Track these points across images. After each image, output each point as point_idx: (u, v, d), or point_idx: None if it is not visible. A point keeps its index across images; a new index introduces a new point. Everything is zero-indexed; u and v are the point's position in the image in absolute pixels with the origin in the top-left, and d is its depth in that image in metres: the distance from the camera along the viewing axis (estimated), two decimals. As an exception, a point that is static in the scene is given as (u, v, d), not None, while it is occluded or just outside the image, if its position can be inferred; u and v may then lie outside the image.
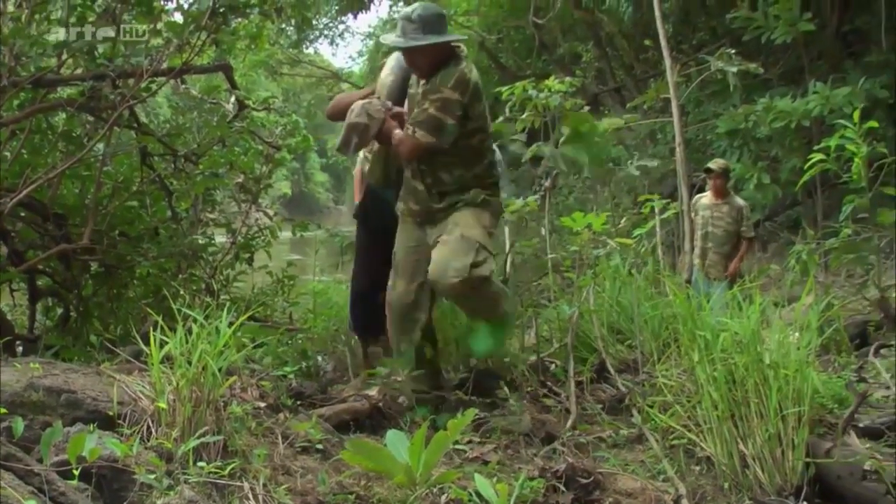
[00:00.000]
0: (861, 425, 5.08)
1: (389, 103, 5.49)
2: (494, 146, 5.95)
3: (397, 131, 5.33)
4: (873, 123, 7.46)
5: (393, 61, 5.87)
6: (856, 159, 7.32)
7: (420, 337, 5.58)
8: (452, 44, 5.39)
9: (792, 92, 11.30)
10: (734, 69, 9.42)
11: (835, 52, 12.84)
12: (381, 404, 5.42)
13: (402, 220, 5.69)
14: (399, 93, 5.73)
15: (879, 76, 11.04)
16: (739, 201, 9.38)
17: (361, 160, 6.54)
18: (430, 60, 5.30)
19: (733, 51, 9.93)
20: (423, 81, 5.38)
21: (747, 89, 11.95)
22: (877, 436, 5.06)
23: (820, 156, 7.67)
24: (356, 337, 6.45)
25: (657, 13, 10.32)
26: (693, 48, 14.72)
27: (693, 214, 9.48)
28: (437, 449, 3.62)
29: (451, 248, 5.19)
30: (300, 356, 5.86)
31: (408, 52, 5.33)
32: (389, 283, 5.69)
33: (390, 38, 5.42)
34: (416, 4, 5.32)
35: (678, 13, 14.92)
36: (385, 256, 5.85)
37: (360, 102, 5.40)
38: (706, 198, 9.36)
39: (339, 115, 5.75)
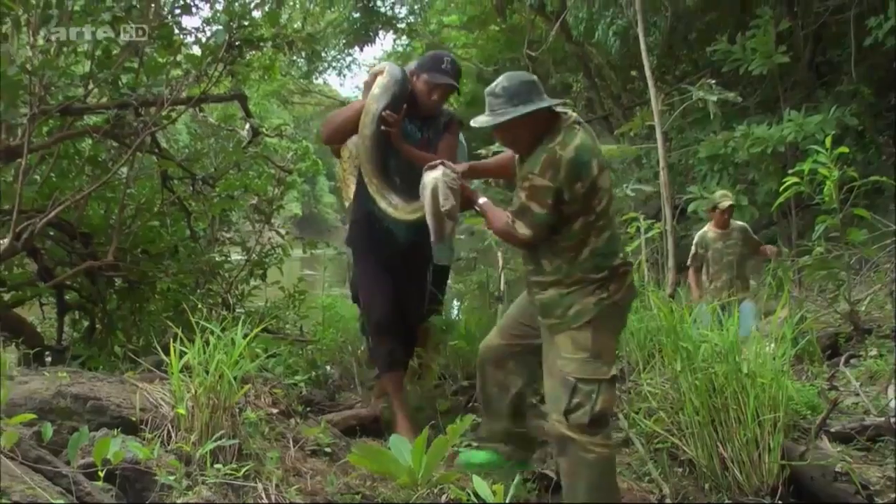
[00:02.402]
0: (832, 430, 5.10)
1: (456, 168, 4.57)
2: None
3: (497, 218, 4.37)
4: (844, 149, 7.48)
5: (379, 89, 5.32)
6: (827, 182, 7.33)
7: (510, 408, 4.71)
8: (559, 111, 4.33)
9: (768, 120, 11.32)
10: (714, 98, 9.42)
11: (808, 83, 12.86)
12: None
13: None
14: (381, 121, 5.22)
15: (849, 105, 11.06)
16: (737, 223, 9.30)
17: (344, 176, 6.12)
18: (522, 135, 4.30)
19: (713, 81, 9.94)
20: None
21: (726, 117, 11.97)
22: (847, 440, 5.08)
23: (794, 179, 7.68)
24: (377, 369, 5.77)
25: (642, 46, 10.34)
26: (676, 79, 14.75)
27: (702, 251, 9.20)
28: (437, 452, 3.63)
29: (549, 386, 4.26)
30: (310, 366, 5.86)
31: (498, 130, 4.34)
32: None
33: (480, 119, 4.34)
34: (501, 76, 4.37)
35: (662, 46, 14.93)
36: (401, 279, 5.55)
37: (433, 178, 4.45)
38: (711, 232, 9.18)
39: (338, 136, 5.58)
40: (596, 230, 4.22)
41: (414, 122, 5.45)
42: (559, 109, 4.34)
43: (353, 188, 5.83)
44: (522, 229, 4.23)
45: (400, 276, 5.58)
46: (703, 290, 9.12)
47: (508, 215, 4.29)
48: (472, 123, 4.39)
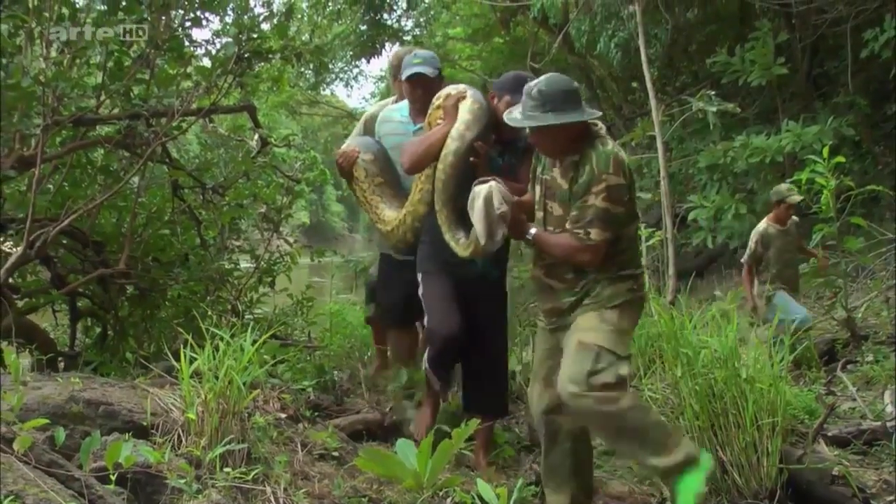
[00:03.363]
0: (830, 434, 5.10)
1: (505, 187, 4.31)
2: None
3: (558, 240, 4.23)
4: (840, 159, 7.48)
5: (471, 115, 4.92)
6: (825, 192, 7.34)
7: (570, 447, 4.42)
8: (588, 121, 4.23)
9: (766, 130, 11.32)
10: (714, 109, 9.43)
11: (806, 94, 12.86)
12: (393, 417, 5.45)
13: (539, 324, 4.65)
14: (472, 152, 4.83)
15: (846, 116, 11.06)
16: (793, 217, 8.58)
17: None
18: (559, 140, 4.21)
19: (713, 92, 9.96)
20: (557, 165, 4.28)
21: (726, 127, 11.97)
22: (844, 444, 5.08)
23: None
24: (438, 380, 5.29)
25: (643, 58, 10.35)
26: (676, 90, 14.76)
27: (760, 249, 8.44)
28: (442, 456, 3.63)
29: (567, 359, 4.16)
30: (318, 371, 5.86)
31: (532, 132, 4.28)
32: (528, 393, 4.89)
33: (513, 118, 4.29)
34: (543, 78, 4.26)
35: (663, 58, 14.94)
36: (476, 309, 5.17)
37: (487, 186, 4.24)
38: (772, 228, 8.46)
39: (422, 165, 5.10)
40: (637, 237, 4.44)
41: (494, 147, 5.02)
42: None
43: (381, 208, 5.52)
44: (601, 235, 4.07)
45: (475, 306, 5.17)
46: (759, 294, 8.44)
47: (577, 231, 4.10)
48: (506, 120, 4.37)
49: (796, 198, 8.23)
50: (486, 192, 4.24)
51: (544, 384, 4.42)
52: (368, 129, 5.97)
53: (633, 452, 4.24)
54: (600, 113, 4.33)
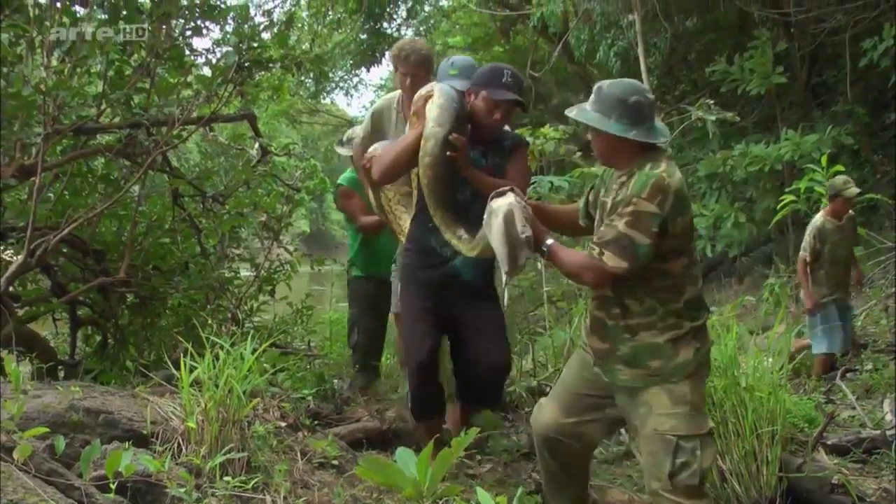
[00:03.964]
0: (829, 443, 5.10)
1: (524, 199, 3.99)
2: None
3: (572, 257, 3.91)
4: (839, 167, 7.51)
5: (438, 110, 4.68)
6: (823, 200, 7.33)
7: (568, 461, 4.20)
8: (656, 145, 3.89)
9: (765, 139, 11.34)
10: (713, 118, 9.41)
11: (804, 103, 12.88)
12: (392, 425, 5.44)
13: (580, 346, 4.25)
14: (447, 146, 4.58)
15: (845, 124, 11.08)
16: (849, 211, 8.08)
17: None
18: (608, 150, 3.94)
19: (712, 101, 9.93)
20: (616, 177, 3.94)
21: (725, 136, 11.97)
22: (843, 452, 5.08)
23: (791, 197, 7.71)
24: (413, 417, 5.23)
25: (643, 67, 10.37)
26: (675, 99, 14.76)
27: (817, 245, 7.92)
28: (442, 464, 3.62)
29: (646, 451, 3.82)
30: (317, 380, 5.85)
31: (593, 133, 3.97)
32: (539, 403, 4.40)
33: (574, 111, 3.99)
34: (621, 81, 3.97)
35: (662, 67, 14.96)
36: (469, 324, 4.91)
37: (507, 203, 3.90)
38: (829, 223, 7.94)
39: (393, 174, 4.93)
40: (691, 278, 3.87)
41: (476, 148, 4.76)
42: (664, 141, 3.93)
43: (405, 220, 5.28)
44: (614, 261, 3.69)
45: (466, 321, 4.91)
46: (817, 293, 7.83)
47: (593, 248, 3.77)
48: (567, 112, 4.02)
49: (854, 190, 7.88)
50: (505, 212, 3.89)
51: (561, 411, 4.12)
52: (377, 125, 5.96)
53: None
54: (662, 139, 3.92)
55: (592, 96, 3.90)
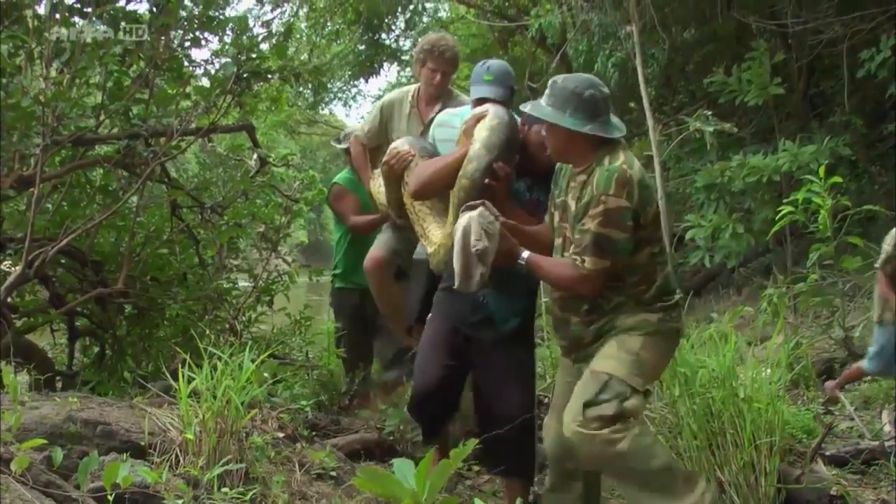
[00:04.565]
0: (828, 454, 5.10)
1: (496, 212, 3.89)
2: None
3: (553, 267, 3.92)
4: (837, 178, 7.49)
5: (488, 132, 4.37)
6: (822, 211, 7.34)
7: (581, 492, 4.24)
8: (612, 139, 3.87)
9: (763, 149, 11.32)
10: (711, 129, 9.44)
11: (802, 114, 12.87)
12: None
13: (561, 353, 4.30)
14: (489, 173, 4.29)
15: (842, 135, 11.07)
16: None
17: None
18: (563, 145, 3.91)
19: (710, 112, 9.95)
20: (574, 174, 3.94)
21: (723, 147, 11.96)
22: (842, 463, 5.08)
23: (789, 208, 7.68)
24: (420, 425, 5.05)
25: (640, 78, 10.36)
26: (673, 110, 14.76)
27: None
28: (441, 475, 3.61)
29: (575, 393, 3.86)
30: (315, 391, 5.85)
31: (548, 128, 3.95)
32: (544, 424, 4.44)
33: (527, 106, 4.01)
34: (575, 76, 3.98)
35: (660, 78, 14.96)
36: (491, 366, 4.65)
37: (467, 216, 3.84)
38: None
39: (429, 191, 4.69)
40: (660, 265, 3.90)
41: (522, 179, 4.55)
42: (620, 135, 3.90)
43: (429, 223, 4.92)
44: (596, 263, 3.68)
45: (486, 359, 4.66)
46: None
47: (574, 258, 3.75)
48: (521, 107, 4.01)
49: None
50: (464, 224, 3.84)
51: (560, 423, 4.02)
52: (385, 117, 6.03)
53: (636, 498, 3.88)
54: (618, 133, 3.88)
55: (547, 91, 3.89)
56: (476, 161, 4.32)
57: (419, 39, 6.53)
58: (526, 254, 3.91)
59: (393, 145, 5.13)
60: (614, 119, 3.95)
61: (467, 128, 4.55)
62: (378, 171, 5.72)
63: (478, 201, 3.93)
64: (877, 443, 5.26)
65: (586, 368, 3.92)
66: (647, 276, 3.86)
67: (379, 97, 26.45)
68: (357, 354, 6.65)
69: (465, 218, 3.87)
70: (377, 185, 5.72)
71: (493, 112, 4.48)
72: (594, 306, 3.90)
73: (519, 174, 4.51)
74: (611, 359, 3.80)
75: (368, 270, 6.04)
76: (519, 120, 4.52)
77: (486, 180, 4.27)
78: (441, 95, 5.92)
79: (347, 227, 6.69)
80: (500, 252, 3.86)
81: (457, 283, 3.92)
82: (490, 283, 3.99)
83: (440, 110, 5.68)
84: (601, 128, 3.81)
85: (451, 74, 5.92)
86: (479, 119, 4.49)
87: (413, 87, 6.08)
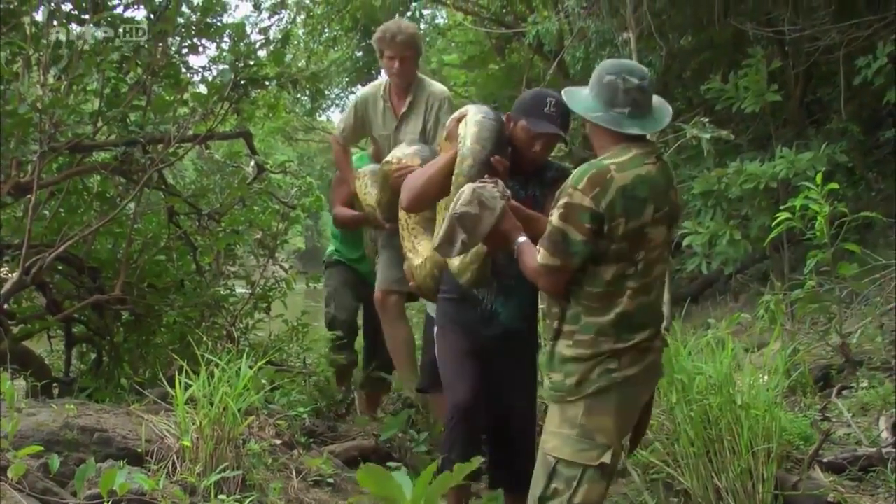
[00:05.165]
0: (825, 460, 5.08)
1: (505, 191, 3.67)
2: None
3: (522, 240, 3.59)
4: (834, 185, 7.48)
5: (478, 128, 4.20)
6: (819, 218, 7.33)
7: None
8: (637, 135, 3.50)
9: (760, 156, 11.31)
10: (708, 136, 9.42)
11: (799, 121, 12.87)
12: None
13: None
14: (487, 168, 4.09)
15: (839, 142, 11.06)
16: None
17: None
18: (592, 136, 3.65)
19: (707, 119, 9.94)
20: None
21: (720, 154, 11.96)
22: (839, 470, 5.06)
23: (786, 214, 7.67)
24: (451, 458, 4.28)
25: (637, 85, 10.36)
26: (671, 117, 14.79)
27: None
28: (440, 487, 3.61)
29: (533, 479, 3.58)
30: (312, 397, 5.84)
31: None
32: None
33: (569, 90, 3.74)
34: (617, 62, 3.73)
35: (657, 85, 14.95)
36: (499, 373, 4.46)
37: (471, 185, 3.64)
38: None
39: (423, 201, 4.51)
40: (632, 290, 3.40)
41: (515, 178, 4.27)
42: (637, 132, 3.49)
43: (420, 239, 4.83)
44: (546, 258, 3.36)
45: (497, 368, 4.47)
46: None
47: (537, 247, 3.46)
48: (563, 93, 3.68)
49: None
50: (462, 190, 3.67)
51: None
52: (361, 115, 5.94)
53: None
54: (636, 130, 3.49)
55: (592, 80, 3.58)
56: (471, 157, 4.17)
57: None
58: (521, 239, 3.61)
59: (398, 153, 5.13)
60: (654, 114, 3.61)
61: (450, 130, 4.43)
62: (364, 171, 5.77)
63: (490, 179, 3.73)
64: (874, 449, 5.24)
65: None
66: (608, 297, 3.41)
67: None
68: (347, 315, 6.58)
69: (466, 186, 3.68)
70: (363, 186, 5.72)
71: (474, 109, 4.39)
72: (559, 312, 3.52)
73: (510, 173, 4.24)
74: (554, 436, 3.47)
75: (377, 307, 5.99)
76: (504, 116, 4.36)
77: (486, 175, 3.92)
78: (409, 85, 5.80)
79: (332, 213, 6.56)
80: (498, 232, 3.63)
81: (435, 244, 3.76)
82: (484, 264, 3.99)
83: (411, 103, 5.74)
84: (611, 119, 3.45)
85: (411, 60, 5.70)
86: (459, 120, 4.36)
87: (384, 81, 5.98)
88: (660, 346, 3.65)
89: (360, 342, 6.83)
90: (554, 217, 3.36)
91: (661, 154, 3.55)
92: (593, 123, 3.52)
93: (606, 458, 3.41)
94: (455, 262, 4.25)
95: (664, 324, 7.95)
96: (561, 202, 3.35)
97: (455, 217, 3.59)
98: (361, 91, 6.27)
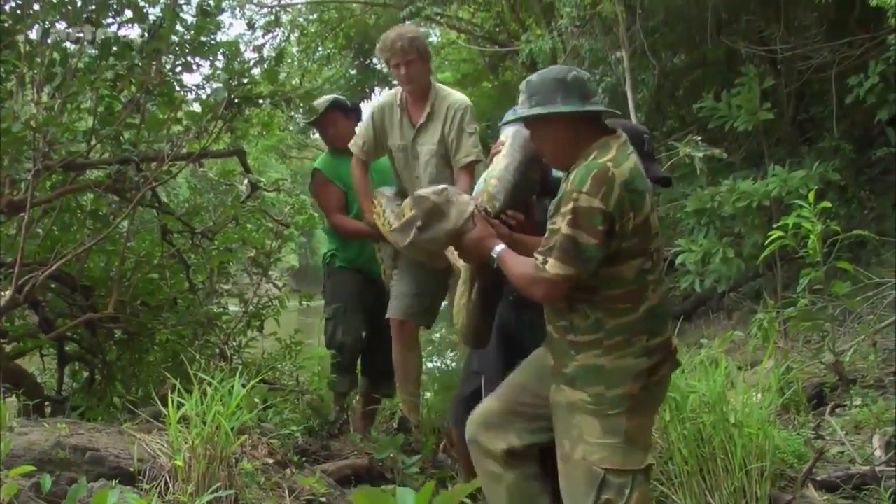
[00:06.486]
0: (819, 479, 5.07)
1: (495, 204, 3.64)
2: None
3: (518, 265, 3.44)
4: (827, 204, 7.50)
5: (495, 179, 3.84)
6: (811, 236, 7.34)
7: None
8: (607, 127, 3.47)
9: (753, 174, 11.34)
10: (700, 154, 9.44)
11: (791, 139, 12.91)
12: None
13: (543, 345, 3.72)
14: (523, 192, 3.92)
15: (832, 160, 11.10)
16: None
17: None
18: (550, 143, 3.50)
19: (700, 137, 9.97)
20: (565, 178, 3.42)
21: (713, 172, 11.98)
22: (833, 489, 5.05)
23: (779, 233, 7.69)
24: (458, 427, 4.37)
25: (630, 103, 10.42)
26: (664, 135, 14.78)
27: None
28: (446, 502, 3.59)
29: (570, 476, 3.43)
30: (305, 416, 5.83)
31: (531, 131, 3.57)
32: None
33: (508, 115, 3.73)
34: (546, 69, 3.62)
35: (650, 103, 14.99)
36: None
37: (451, 187, 3.64)
38: None
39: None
40: (653, 283, 3.38)
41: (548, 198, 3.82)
42: (609, 122, 3.48)
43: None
44: (559, 268, 3.23)
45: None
46: None
47: (537, 257, 3.32)
48: (504, 121, 3.72)
49: None
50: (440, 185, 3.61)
51: (510, 416, 3.69)
52: (378, 127, 5.74)
53: None
54: (612, 110, 3.56)
55: (524, 94, 3.49)
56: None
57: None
58: (500, 247, 3.52)
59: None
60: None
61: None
62: (381, 193, 5.66)
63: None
64: (868, 468, 5.24)
65: (561, 417, 3.49)
66: (634, 295, 3.35)
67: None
68: (356, 339, 6.19)
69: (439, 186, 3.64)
70: (380, 209, 5.53)
71: (504, 153, 3.96)
72: (570, 323, 3.42)
73: (542, 194, 4.07)
74: (600, 448, 3.35)
75: (392, 332, 5.86)
76: None
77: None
78: (425, 92, 5.65)
79: (330, 221, 6.28)
80: (471, 240, 3.57)
81: (394, 228, 3.69)
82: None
83: (430, 112, 5.60)
84: (581, 106, 3.39)
85: (418, 64, 5.51)
86: (494, 154, 4.06)
87: (400, 89, 5.79)
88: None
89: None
90: (562, 225, 3.23)
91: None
92: (578, 124, 3.42)
93: (651, 459, 3.45)
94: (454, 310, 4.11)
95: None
96: (566, 208, 3.23)
97: (416, 198, 3.56)
98: (377, 100, 6.10)
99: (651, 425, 3.55)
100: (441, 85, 5.85)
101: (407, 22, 16.01)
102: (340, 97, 6.38)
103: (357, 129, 5.99)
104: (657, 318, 3.41)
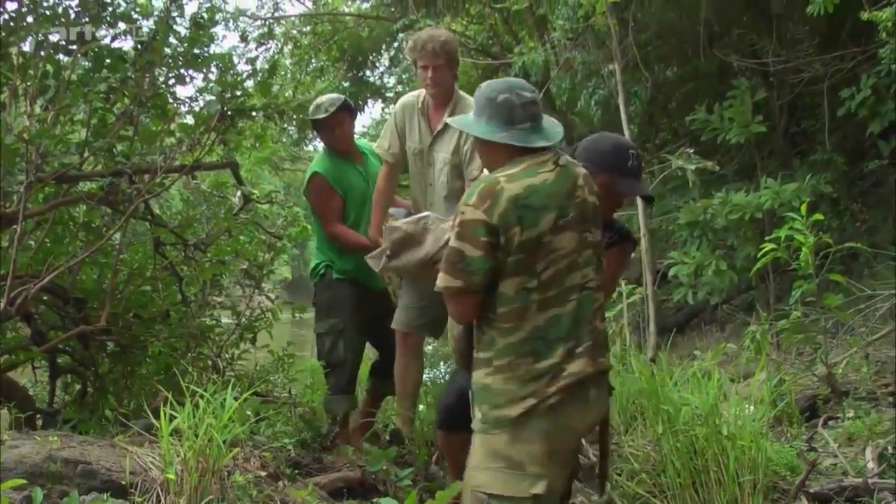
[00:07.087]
0: (811, 491, 5.07)
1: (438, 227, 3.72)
2: None
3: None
4: (819, 216, 7.51)
5: None
6: (804, 248, 7.35)
7: None
8: (546, 147, 3.39)
9: (745, 187, 11.36)
10: (693, 167, 9.46)
11: (784, 152, 12.94)
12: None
13: None
14: None
15: (824, 173, 11.13)
16: None
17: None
18: (482, 156, 3.60)
19: (692, 150, 9.99)
20: None
21: (705, 184, 12.01)
22: (826, 501, 5.05)
23: (771, 245, 7.70)
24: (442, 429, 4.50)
25: (623, 116, 10.43)
26: (656, 147, 14.82)
27: None
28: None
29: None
30: (299, 428, 5.82)
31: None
32: None
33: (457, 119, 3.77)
34: (495, 80, 3.60)
35: (643, 116, 15.04)
36: None
37: (433, 215, 3.76)
38: None
39: None
40: (537, 303, 3.23)
41: None
42: (545, 144, 3.39)
43: None
44: (445, 280, 3.25)
45: None
46: None
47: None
48: (448, 120, 3.72)
49: None
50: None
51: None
52: (400, 125, 5.61)
53: None
54: (542, 142, 3.40)
55: (476, 103, 3.51)
56: None
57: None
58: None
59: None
60: (547, 126, 3.50)
61: None
62: (395, 215, 5.50)
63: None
64: (860, 480, 5.24)
65: None
66: (516, 313, 3.25)
67: (363, 134, 26.49)
68: (357, 357, 6.09)
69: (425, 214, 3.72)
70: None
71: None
72: (475, 339, 3.40)
73: None
74: (481, 470, 3.27)
75: (397, 343, 5.79)
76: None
77: None
78: (447, 99, 5.49)
79: (328, 230, 6.00)
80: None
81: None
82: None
83: (449, 116, 5.23)
84: (517, 136, 3.36)
85: (445, 69, 5.38)
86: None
87: (423, 91, 5.63)
88: (590, 366, 3.33)
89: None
90: (452, 239, 3.26)
91: (559, 160, 3.38)
92: (488, 143, 3.42)
93: (539, 489, 3.19)
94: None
95: (650, 353, 7.94)
96: (456, 222, 3.26)
97: (387, 228, 3.71)
98: (402, 99, 5.85)
99: (549, 456, 3.24)
100: (464, 94, 5.58)
101: (399, 35, 16.02)
102: (348, 98, 6.21)
103: (382, 130, 5.85)
104: (542, 340, 3.26)
